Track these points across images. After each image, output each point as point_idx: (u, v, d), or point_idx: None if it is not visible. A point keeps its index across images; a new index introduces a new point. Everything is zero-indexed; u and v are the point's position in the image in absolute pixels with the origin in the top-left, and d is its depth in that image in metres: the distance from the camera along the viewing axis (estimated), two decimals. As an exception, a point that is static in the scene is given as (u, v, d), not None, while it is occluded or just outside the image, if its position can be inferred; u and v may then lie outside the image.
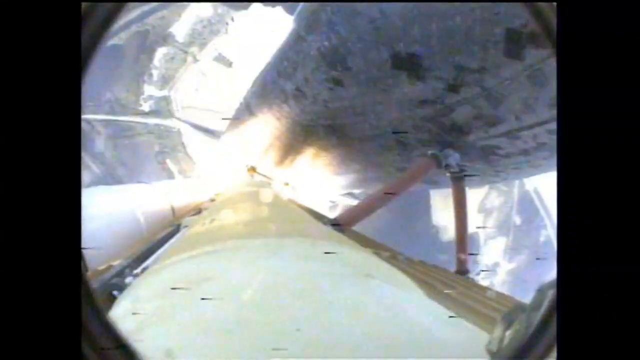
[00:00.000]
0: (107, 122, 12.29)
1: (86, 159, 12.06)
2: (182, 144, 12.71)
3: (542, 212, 15.52)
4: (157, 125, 12.50)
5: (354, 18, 3.73)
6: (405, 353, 0.75)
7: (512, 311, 0.67)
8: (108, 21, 0.59)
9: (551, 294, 0.63)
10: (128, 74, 12.18)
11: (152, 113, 12.32)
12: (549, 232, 15.45)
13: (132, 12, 11.50)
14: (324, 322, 0.86)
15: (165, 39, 12.15)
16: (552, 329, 0.61)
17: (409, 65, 3.66)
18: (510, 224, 15.59)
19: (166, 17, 12.11)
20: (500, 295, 2.60)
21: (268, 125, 6.74)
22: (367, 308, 0.98)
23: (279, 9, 11.44)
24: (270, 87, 5.91)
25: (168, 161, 12.72)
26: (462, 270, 4.88)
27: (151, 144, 12.73)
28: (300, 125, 5.84)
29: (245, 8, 11.85)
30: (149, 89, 12.26)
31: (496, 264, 15.72)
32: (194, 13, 12.12)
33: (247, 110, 7.49)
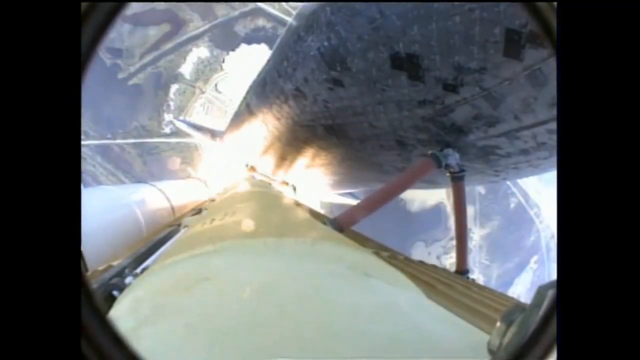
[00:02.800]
0: (135, 145, 15.61)
1: (119, 174, 15.45)
2: (200, 155, 15.74)
3: (507, 181, 16.12)
4: (178, 143, 15.77)
5: (353, 18, 3.73)
6: (404, 353, 0.75)
7: (512, 311, 0.67)
8: (108, 21, 0.59)
9: (551, 294, 0.63)
10: (150, 106, 15.54)
11: (173, 134, 15.69)
12: (520, 199, 16.11)
13: (145, 58, 15.04)
14: (323, 321, 0.85)
15: (176, 77, 15.49)
16: (552, 329, 0.60)
17: (408, 65, 3.65)
18: (475, 193, 16.37)
19: (174, 60, 15.44)
20: (500, 295, 2.60)
21: (268, 125, 6.74)
22: (366, 308, 0.98)
23: (262, 46, 14.70)
24: (270, 88, 5.91)
25: (189, 169, 15.63)
26: (462, 270, 4.88)
27: (174, 158, 15.91)
28: (300, 125, 5.84)
29: (233, 50, 15.29)
30: (168, 116, 15.59)
31: (468, 229, 16.44)
32: (195, 55, 15.41)
33: (247, 110, 7.49)
